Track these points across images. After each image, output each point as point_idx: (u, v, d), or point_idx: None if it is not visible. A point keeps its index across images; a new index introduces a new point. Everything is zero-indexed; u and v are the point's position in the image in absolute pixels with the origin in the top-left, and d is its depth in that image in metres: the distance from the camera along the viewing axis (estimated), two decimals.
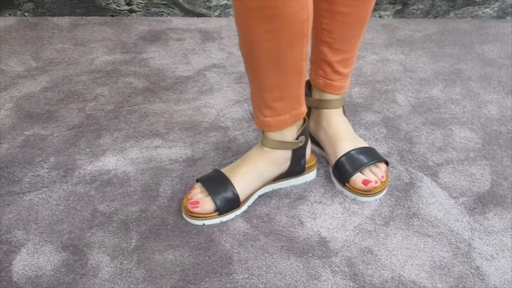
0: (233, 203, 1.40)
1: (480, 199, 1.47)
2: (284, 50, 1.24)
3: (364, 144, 1.52)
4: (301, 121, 1.42)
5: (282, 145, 1.41)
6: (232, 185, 1.40)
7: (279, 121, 1.37)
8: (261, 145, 1.43)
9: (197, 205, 1.38)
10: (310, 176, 1.53)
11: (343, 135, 1.52)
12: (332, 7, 1.38)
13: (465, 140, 1.68)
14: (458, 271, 1.28)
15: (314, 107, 1.55)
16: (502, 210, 1.44)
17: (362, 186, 1.46)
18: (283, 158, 1.44)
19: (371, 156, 1.49)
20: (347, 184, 1.47)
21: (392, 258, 1.31)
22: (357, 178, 1.46)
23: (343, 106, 1.55)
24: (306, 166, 1.50)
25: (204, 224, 1.39)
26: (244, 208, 1.43)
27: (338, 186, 1.50)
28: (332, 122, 1.53)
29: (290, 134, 1.41)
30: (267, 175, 1.45)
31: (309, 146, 1.50)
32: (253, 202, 1.44)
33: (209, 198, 1.39)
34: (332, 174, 1.53)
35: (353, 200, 1.47)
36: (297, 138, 1.42)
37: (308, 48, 1.27)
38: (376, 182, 1.46)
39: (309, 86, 1.55)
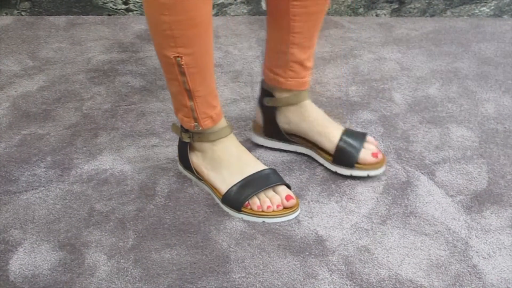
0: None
1: (477, 197, 1.47)
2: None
3: (340, 125, 1.58)
4: None
5: (229, 127, 1.46)
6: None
7: (220, 104, 1.45)
8: (229, 138, 1.46)
9: (292, 198, 1.42)
10: None
11: (327, 122, 1.57)
12: (307, 10, 1.42)
13: (462, 138, 1.68)
14: (455, 270, 1.28)
15: (284, 105, 1.56)
16: (499, 209, 1.44)
17: (374, 159, 1.51)
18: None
19: (359, 133, 1.55)
20: (356, 165, 1.51)
21: (389, 256, 1.31)
22: (365, 155, 1.51)
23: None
24: None
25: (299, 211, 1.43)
26: None
27: (344, 171, 1.52)
28: (311, 111, 1.56)
29: None
30: None
31: None
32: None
33: (282, 187, 1.43)
34: (332, 162, 1.54)
35: (366, 177, 1.52)
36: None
37: None
38: (379, 152, 1.52)
39: (266, 89, 1.58)
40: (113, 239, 1.34)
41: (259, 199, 1.40)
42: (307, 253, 1.31)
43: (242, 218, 1.40)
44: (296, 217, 1.41)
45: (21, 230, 1.36)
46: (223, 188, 1.42)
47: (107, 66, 2.03)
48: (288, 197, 1.40)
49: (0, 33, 2.26)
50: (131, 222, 1.39)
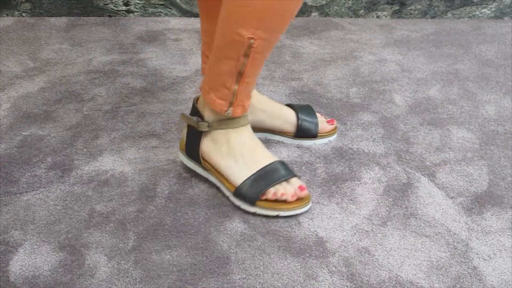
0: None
1: (478, 199, 1.47)
2: None
3: (286, 107, 1.68)
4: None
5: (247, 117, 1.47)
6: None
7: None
8: (245, 128, 1.46)
9: (305, 189, 1.43)
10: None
11: (279, 106, 1.66)
12: None
13: (463, 140, 1.68)
14: (455, 271, 1.28)
15: None
16: (500, 210, 1.44)
17: (331, 126, 1.68)
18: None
19: (307, 107, 1.68)
20: (319, 135, 1.66)
21: (390, 258, 1.31)
22: (323, 124, 1.67)
23: None
24: None
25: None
26: None
27: (308, 142, 1.66)
28: (263, 101, 1.63)
29: None
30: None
31: None
32: None
33: (294, 179, 1.44)
34: (293, 137, 1.66)
35: (327, 144, 1.66)
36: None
37: None
38: (333, 119, 1.69)
39: None
40: (114, 240, 1.34)
41: (274, 188, 1.41)
42: (308, 255, 1.31)
43: (256, 212, 1.41)
44: (307, 210, 1.43)
45: (21, 231, 1.36)
46: (236, 180, 1.42)
47: (108, 67, 2.03)
48: (301, 188, 1.42)
49: (1, 34, 2.26)
50: (132, 223, 1.39)
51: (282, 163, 1.45)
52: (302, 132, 1.64)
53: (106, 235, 1.35)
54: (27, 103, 1.82)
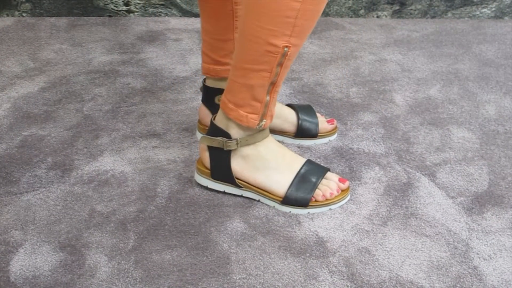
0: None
1: (478, 199, 1.47)
2: None
3: (287, 107, 1.68)
4: None
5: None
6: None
7: None
8: (269, 138, 1.46)
9: (345, 180, 1.48)
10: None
11: (279, 105, 1.65)
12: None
13: (463, 140, 1.68)
14: (456, 271, 1.28)
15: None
16: (500, 210, 1.44)
17: (331, 126, 1.68)
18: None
19: (306, 106, 1.69)
20: (319, 134, 1.66)
21: (390, 258, 1.31)
22: (323, 124, 1.66)
23: None
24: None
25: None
26: None
27: (308, 141, 1.67)
28: None
29: None
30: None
31: None
32: (252, 202, 1.45)
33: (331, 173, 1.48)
34: (294, 137, 1.67)
35: (327, 143, 1.67)
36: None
37: None
38: (333, 119, 1.69)
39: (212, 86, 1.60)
40: (114, 240, 1.34)
41: (320, 190, 1.43)
42: (308, 255, 1.31)
43: (309, 212, 1.43)
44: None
45: (21, 231, 1.36)
46: (280, 190, 1.43)
47: (108, 67, 2.03)
48: (341, 180, 1.45)
49: (1, 34, 2.26)
50: (132, 223, 1.39)
51: (311, 161, 1.47)
52: (303, 132, 1.64)
53: (107, 235, 1.35)
54: (27, 103, 1.82)
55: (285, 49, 1.25)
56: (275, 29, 1.23)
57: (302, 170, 1.44)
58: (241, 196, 1.47)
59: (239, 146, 1.41)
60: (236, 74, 1.33)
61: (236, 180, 1.45)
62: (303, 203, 1.41)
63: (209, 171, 1.47)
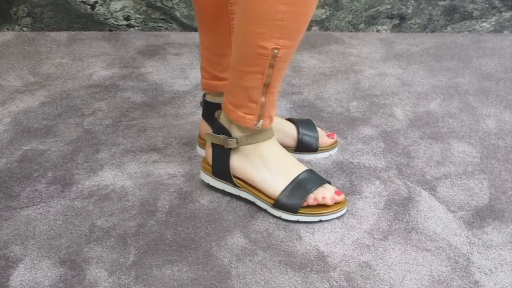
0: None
1: (479, 213, 1.47)
2: None
3: (287, 121, 1.68)
4: None
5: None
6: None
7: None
8: (273, 139, 1.47)
9: (341, 193, 1.46)
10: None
11: (279, 120, 1.65)
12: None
13: (463, 154, 1.68)
14: (457, 286, 1.27)
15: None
16: (501, 224, 1.44)
17: (331, 140, 1.68)
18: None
19: (307, 121, 1.69)
20: (319, 148, 1.65)
21: (391, 272, 1.30)
22: (323, 138, 1.66)
23: None
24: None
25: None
26: None
27: (308, 156, 1.66)
28: None
29: None
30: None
31: None
32: (252, 217, 1.44)
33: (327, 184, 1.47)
34: (294, 151, 1.65)
35: (327, 158, 1.67)
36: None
37: None
38: (333, 133, 1.70)
39: (212, 101, 1.61)
40: (114, 255, 1.34)
41: (313, 194, 1.43)
42: (309, 269, 1.31)
43: (298, 220, 1.42)
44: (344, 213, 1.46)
45: (21, 246, 1.36)
46: (274, 192, 1.43)
47: (108, 82, 2.03)
48: (337, 192, 1.44)
49: (2, 48, 2.26)
50: (132, 238, 1.38)
51: (312, 171, 1.47)
52: (303, 146, 1.64)
53: (107, 250, 1.35)
54: (27, 118, 1.82)
55: (275, 51, 1.28)
56: (264, 32, 1.26)
57: (300, 177, 1.44)
58: (238, 196, 1.49)
59: (239, 145, 1.43)
60: (232, 76, 1.38)
61: (234, 179, 1.47)
62: (292, 209, 1.42)
63: (211, 168, 1.50)
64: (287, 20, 1.25)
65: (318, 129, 1.68)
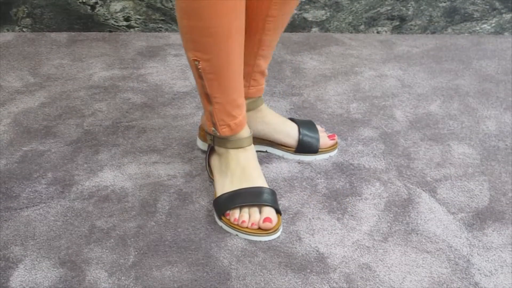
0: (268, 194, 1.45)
1: (479, 215, 1.47)
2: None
3: (289, 120, 1.69)
4: None
5: (249, 138, 1.49)
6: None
7: (244, 116, 1.47)
8: (244, 149, 1.48)
9: (269, 221, 1.40)
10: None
11: (282, 120, 1.67)
12: (283, 17, 1.47)
13: (464, 155, 1.68)
14: (457, 287, 1.27)
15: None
16: (501, 226, 1.44)
17: (332, 142, 1.68)
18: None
19: (309, 122, 1.69)
20: (320, 150, 1.65)
21: (391, 274, 1.30)
22: (324, 139, 1.66)
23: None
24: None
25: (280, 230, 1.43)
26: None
27: (308, 157, 1.66)
28: (267, 114, 1.64)
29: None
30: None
31: None
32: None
33: (256, 208, 1.42)
34: (294, 153, 1.66)
35: (327, 159, 1.66)
36: None
37: None
38: (334, 134, 1.69)
39: None
40: (114, 256, 1.34)
41: (240, 213, 1.41)
42: (309, 271, 1.31)
43: (221, 226, 1.42)
44: (272, 239, 1.40)
45: (21, 246, 1.36)
46: (217, 192, 1.46)
47: (108, 83, 2.03)
48: (266, 219, 1.39)
49: (2, 49, 2.26)
50: (132, 239, 1.38)
51: (269, 190, 1.44)
52: (303, 147, 1.64)
53: (107, 251, 1.35)
54: (27, 119, 1.82)
55: (195, 62, 1.32)
56: (184, 42, 1.34)
57: (247, 190, 1.43)
58: (208, 195, 1.53)
59: (214, 144, 1.49)
60: None
61: (208, 168, 1.55)
62: (218, 214, 1.43)
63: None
64: (193, 34, 1.29)
65: (319, 127, 1.69)
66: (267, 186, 1.45)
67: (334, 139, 1.68)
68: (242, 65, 1.39)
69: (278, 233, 1.40)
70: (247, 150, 1.47)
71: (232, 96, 1.40)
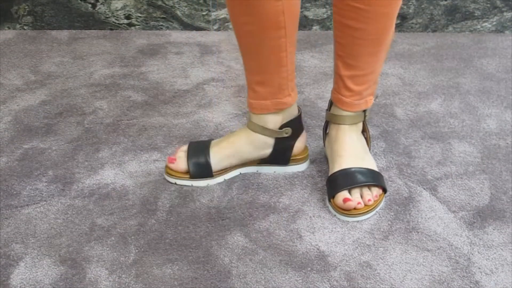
0: (204, 170, 1.53)
1: (479, 213, 1.47)
2: (259, 37, 1.37)
3: (370, 166, 1.50)
4: (292, 112, 1.52)
5: (262, 130, 1.50)
6: (208, 154, 1.53)
7: (260, 104, 1.48)
8: (246, 126, 1.53)
9: (173, 161, 1.54)
10: (297, 168, 1.60)
11: (345, 152, 1.50)
12: (342, 20, 1.39)
13: (464, 154, 1.68)
14: (457, 286, 1.27)
15: (329, 121, 1.56)
16: (502, 225, 1.44)
17: (341, 204, 1.43)
18: (263, 143, 1.53)
19: (368, 177, 1.46)
20: (331, 199, 1.46)
21: (391, 272, 1.30)
22: (340, 196, 1.44)
23: (364, 125, 1.55)
24: (293, 157, 1.57)
25: (176, 183, 1.54)
26: (219, 179, 1.56)
27: (326, 201, 1.49)
28: (339, 138, 1.52)
29: (272, 121, 1.50)
30: (245, 155, 1.55)
31: (302, 141, 1.57)
32: (251, 216, 1.44)
33: (185, 159, 1.54)
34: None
35: (334, 216, 1.46)
36: (281, 128, 1.51)
37: (293, 42, 1.41)
38: (358, 203, 1.43)
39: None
40: (115, 254, 1.34)
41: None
42: (309, 269, 1.31)
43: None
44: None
45: (22, 244, 1.36)
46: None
47: (109, 81, 2.03)
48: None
49: (2, 47, 2.26)
50: (133, 237, 1.38)
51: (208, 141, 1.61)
52: (328, 183, 1.50)
53: (107, 248, 1.35)
54: (28, 116, 1.82)
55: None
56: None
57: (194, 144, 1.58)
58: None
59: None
60: None
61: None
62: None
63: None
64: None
65: (360, 191, 1.47)
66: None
67: (344, 203, 1.43)
68: (256, 52, 1.41)
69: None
70: (242, 129, 1.56)
71: (246, 72, 1.48)
